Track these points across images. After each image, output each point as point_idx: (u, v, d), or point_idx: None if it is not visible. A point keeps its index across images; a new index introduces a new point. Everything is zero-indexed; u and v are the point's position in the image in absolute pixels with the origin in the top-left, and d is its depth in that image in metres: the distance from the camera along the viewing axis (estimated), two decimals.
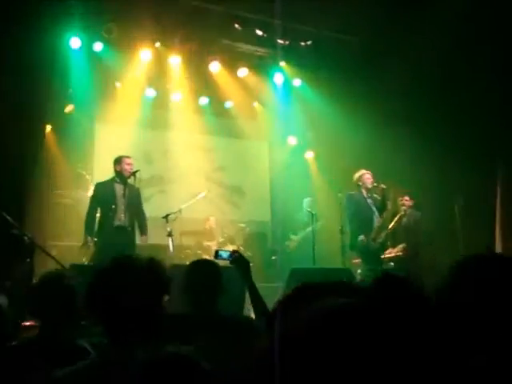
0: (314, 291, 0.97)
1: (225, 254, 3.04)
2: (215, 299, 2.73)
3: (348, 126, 9.22)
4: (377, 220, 7.39)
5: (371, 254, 7.25)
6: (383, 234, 7.35)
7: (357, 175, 7.61)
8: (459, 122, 8.21)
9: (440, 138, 8.47)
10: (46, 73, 7.17)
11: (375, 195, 7.51)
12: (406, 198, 8.26)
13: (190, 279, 2.77)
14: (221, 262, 2.98)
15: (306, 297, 0.95)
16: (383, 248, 7.51)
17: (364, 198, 7.49)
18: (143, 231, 7.06)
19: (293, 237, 9.70)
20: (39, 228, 7.99)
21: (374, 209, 7.45)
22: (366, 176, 7.50)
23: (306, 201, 9.72)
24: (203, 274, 2.79)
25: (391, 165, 9.02)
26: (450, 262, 1.39)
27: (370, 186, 7.46)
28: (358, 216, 7.36)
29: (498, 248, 7.92)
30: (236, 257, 2.94)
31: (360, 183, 7.51)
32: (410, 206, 8.23)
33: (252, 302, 2.75)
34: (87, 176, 9.04)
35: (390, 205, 8.22)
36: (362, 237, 7.21)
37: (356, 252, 7.56)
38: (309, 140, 11.09)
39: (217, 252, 3.11)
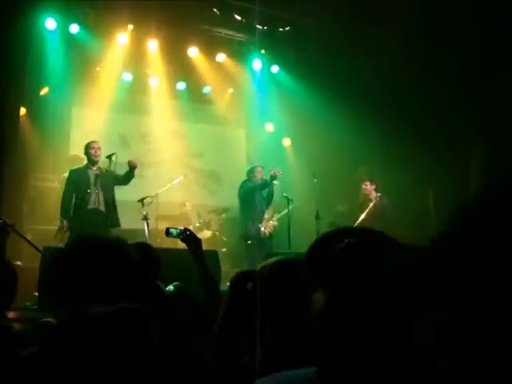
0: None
1: (175, 232, 2.98)
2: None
3: (324, 112, 9.24)
4: (266, 211, 7.92)
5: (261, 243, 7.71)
6: (270, 224, 7.92)
7: (249, 168, 8.21)
8: (433, 110, 8.25)
9: (414, 127, 8.50)
10: (21, 54, 7.06)
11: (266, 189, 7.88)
12: (366, 183, 8.24)
13: None
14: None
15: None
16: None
17: (256, 188, 7.86)
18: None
19: None
20: (15, 211, 7.93)
21: (264, 200, 7.91)
22: (258, 169, 7.94)
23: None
24: None
25: (365, 153, 9.09)
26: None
27: (259, 179, 7.83)
28: (250, 205, 7.81)
29: None
30: (187, 235, 2.91)
31: (251, 175, 7.94)
32: (371, 191, 8.18)
33: (202, 281, 2.74)
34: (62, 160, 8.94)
35: (361, 196, 8.30)
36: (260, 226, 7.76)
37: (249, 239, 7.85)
38: (286, 126, 11.13)
39: (167, 229, 3.03)
